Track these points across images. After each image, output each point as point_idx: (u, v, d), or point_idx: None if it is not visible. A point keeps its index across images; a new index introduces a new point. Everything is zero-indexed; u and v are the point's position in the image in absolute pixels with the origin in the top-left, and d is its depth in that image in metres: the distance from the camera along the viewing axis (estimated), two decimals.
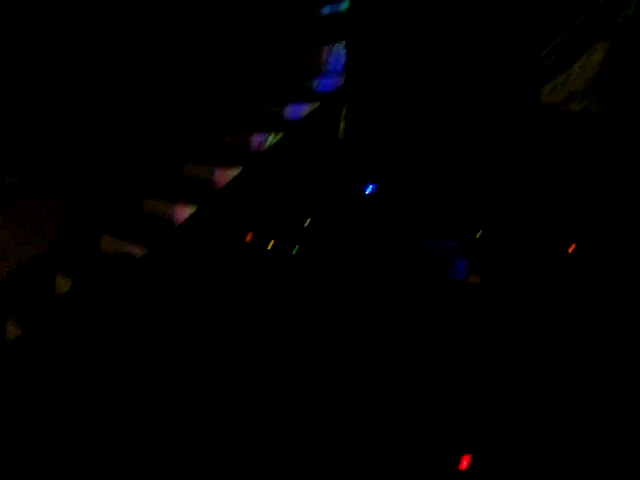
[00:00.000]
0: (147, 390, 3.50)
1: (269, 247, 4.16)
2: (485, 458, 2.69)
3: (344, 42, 4.79)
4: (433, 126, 4.00)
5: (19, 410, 3.56)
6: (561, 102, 3.67)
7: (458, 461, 2.67)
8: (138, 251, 4.37)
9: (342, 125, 4.68)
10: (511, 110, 3.68)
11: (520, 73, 3.72)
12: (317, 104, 4.75)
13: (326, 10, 5.54)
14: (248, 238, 4.25)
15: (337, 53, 5.24)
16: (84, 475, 3.05)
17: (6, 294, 4.61)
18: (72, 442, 3.23)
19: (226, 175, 4.62)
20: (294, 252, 4.07)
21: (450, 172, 3.87)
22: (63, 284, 4.48)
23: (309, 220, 4.15)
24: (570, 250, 3.22)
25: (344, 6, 5.27)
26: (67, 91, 4.78)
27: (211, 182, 4.63)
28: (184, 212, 4.49)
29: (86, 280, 4.24)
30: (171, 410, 3.33)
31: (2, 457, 3.20)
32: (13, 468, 3.12)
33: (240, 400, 3.29)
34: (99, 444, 3.19)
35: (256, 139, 4.82)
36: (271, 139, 4.79)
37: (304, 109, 4.82)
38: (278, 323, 3.77)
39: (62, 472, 3.07)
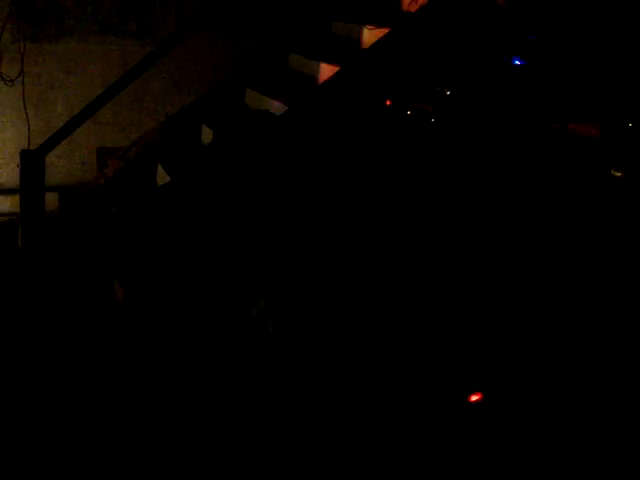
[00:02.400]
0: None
1: (408, 112, 4.06)
2: None
3: None
4: None
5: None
6: None
7: None
8: (281, 107, 4.40)
9: None
10: None
11: None
12: None
13: None
14: (388, 102, 4.15)
15: None
16: None
17: (157, 145, 4.85)
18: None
19: (374, 34, 4.46)
20: (433, 120, 3.95)
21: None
22: (207, 135, 4.64)
23: (451, 90, 3.98)
24: None
25: None
26: None
27: (357, 41, 4.50)
28: (328, 70, 4.42)
29: (227, 133, 4.35)
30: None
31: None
32: None
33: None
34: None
35: None
36: None
37: None
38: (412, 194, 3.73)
39: None
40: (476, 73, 3.85)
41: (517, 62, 3.57)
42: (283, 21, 5.03)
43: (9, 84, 4.21)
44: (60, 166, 4.61)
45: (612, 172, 2.93)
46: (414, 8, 4.43)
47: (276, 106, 4.46)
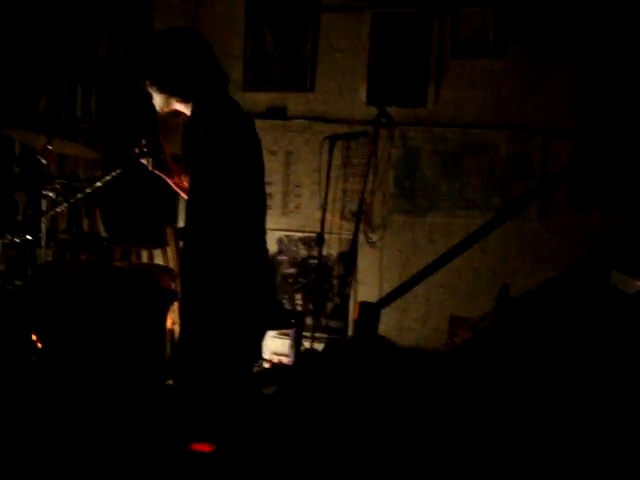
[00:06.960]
0: None
1: None
2: None
3: None
4: None
5: None
6: None
7: None
8: None
9: None
10: None
11: None
12: None
13: None
14: None
15: None
16: None
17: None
18: None
19: None
20: None
21: None
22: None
23: None
24: None
25: None
26: None
27: None
28: None
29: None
30: None
31: None
32: None
33: None
34: None
35: None
36: None
37: None
38: None
39: None
40: None
41: None
42: None
43: (372, 245, 4.72)
44: (414, 330, 4.86)
45: None
46: None
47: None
